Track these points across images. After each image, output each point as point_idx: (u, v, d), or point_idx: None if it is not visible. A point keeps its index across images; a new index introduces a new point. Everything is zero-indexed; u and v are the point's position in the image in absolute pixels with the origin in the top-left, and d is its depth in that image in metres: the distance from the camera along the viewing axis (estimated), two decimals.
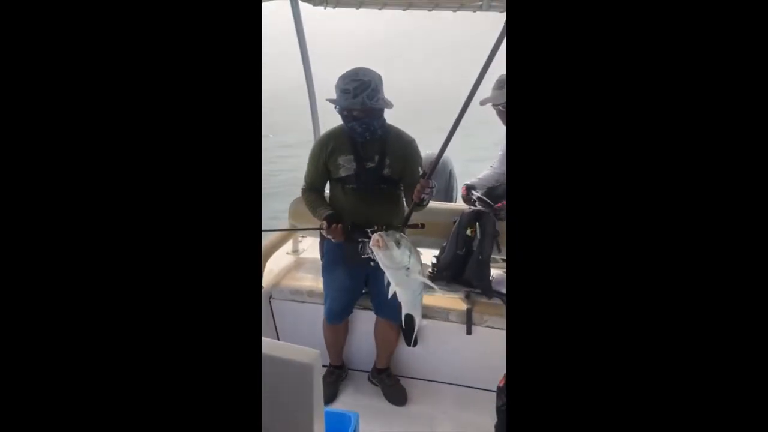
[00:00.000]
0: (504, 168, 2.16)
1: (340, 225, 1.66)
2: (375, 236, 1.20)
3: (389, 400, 1.98)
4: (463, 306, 1.97)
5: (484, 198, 2.12)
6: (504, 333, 1.93)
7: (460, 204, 2.58)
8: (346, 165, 1.72)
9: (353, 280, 1.87)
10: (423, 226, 1.68)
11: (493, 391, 2.00)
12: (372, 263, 1.72)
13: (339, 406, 1.94)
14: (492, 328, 1.96)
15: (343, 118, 1.68)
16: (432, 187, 1.60)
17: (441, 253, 2.13)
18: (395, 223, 1.72)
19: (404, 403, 1.97)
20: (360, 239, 1.68)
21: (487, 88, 2.10)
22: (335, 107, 1.67)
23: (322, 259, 1.92)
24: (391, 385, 2.01)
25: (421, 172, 1.75)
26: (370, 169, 1.72)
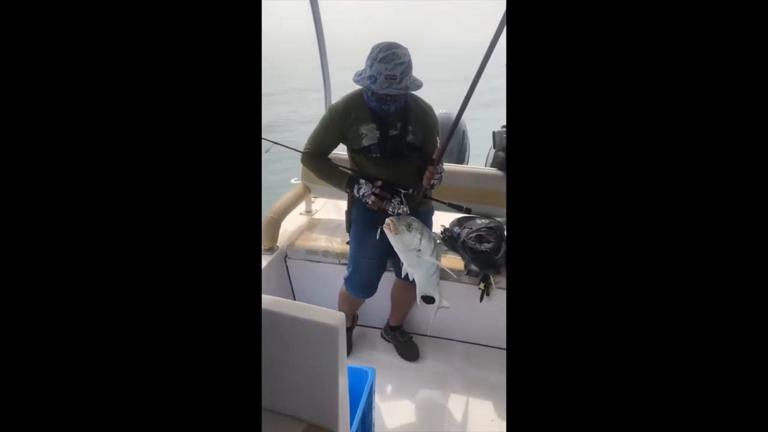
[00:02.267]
0: None
1: (385, 195, 1.65)
2: (387, 220, 1.21)
3: (402, 356, 2.06)
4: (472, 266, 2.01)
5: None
6: None
7: (472, 166, 2.56)
8: (368, 134, 1.69)
9: (384, 247, 1.73)
10: (469, 210, 1.75)
11: (503, 349, 2.10)
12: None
13: (354, 361, 2.03)
14: (503, 289, 2.00)
15: (378, 99, 1.61)
16: (440, 173, 1.60)
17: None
18: (421, 188, 1.71)
19: (417, 358, 2.05)
20: (393, 198, 1.68)
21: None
22: (369, 86, 1.58)
23: (348, 229, 1.89)
24: (404, 342, 2.08)
25: (437, 140, 1.73)
26: (393, 136, 1.69)
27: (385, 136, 1.68)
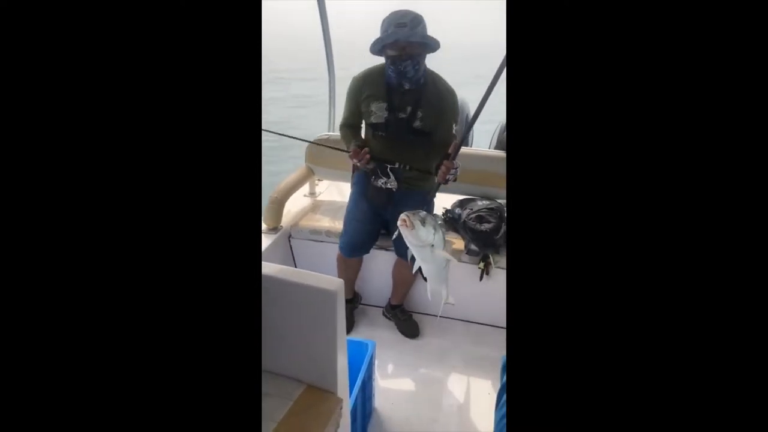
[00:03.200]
0: None
1: (366, 149, 1.67)
2: (402, 216, 1.22)
3: (403, 333, 2.10)
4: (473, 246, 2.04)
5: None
6: None
7: (476, 149, 2.58)
8: (377, 112, 1.71)
9: (374, 216, 1.92)
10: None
11: (502, 328, 2.13)
12: (394, 194, 1.78)
13: (355, 336, 2.07)
14: (503, 269, 2.03)
15: (393, 60, 1.60)
16: (456, 168, 1.58)
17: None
18: (420, 167, 1.74)
19: (417, 335, 2.10)
20: (382, 173, 1.71)
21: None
22: (382, 47, 1.60)
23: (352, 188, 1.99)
24: (405, 320, 2.13)
25: (455, 128, 1.72)
26: (401, 119, 1.70)
27: (392, 117, 1.70)
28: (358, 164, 1.71)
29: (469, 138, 2.66)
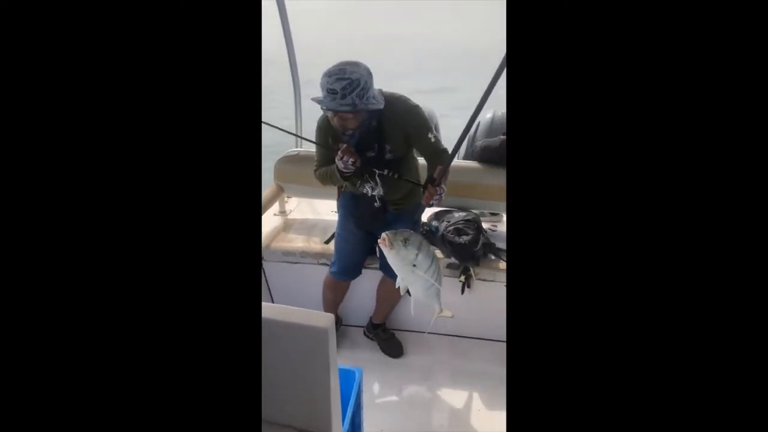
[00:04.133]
0: None
1: (346, 146, 1.55)
2: (383, 235, 1.18)
3: (386, 353, 2.05)
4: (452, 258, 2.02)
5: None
6: (495, 285, 1.98)
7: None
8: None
9: (365, 238, 1.86)
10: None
11: (487, 340, 2.12)
12: (384, 215, 1.73)
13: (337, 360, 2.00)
14: (484, 280, 2.02)
15: (337, 122, 1.53)
16: (441, 194, 1.51)
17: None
18: (404, 198, 1.71)
19: (401, 355, 2.04)
20: (370, 177, 1.65)
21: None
22: (323, 108, 1.52)
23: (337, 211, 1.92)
24: (387, 339, 2.07)
25: (432, 137, 1.65)
26: (370, 158, 1.62)
27: (362, 158, 1.59)
28: (350, 164, 1.56)
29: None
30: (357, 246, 1.88)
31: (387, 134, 1.62)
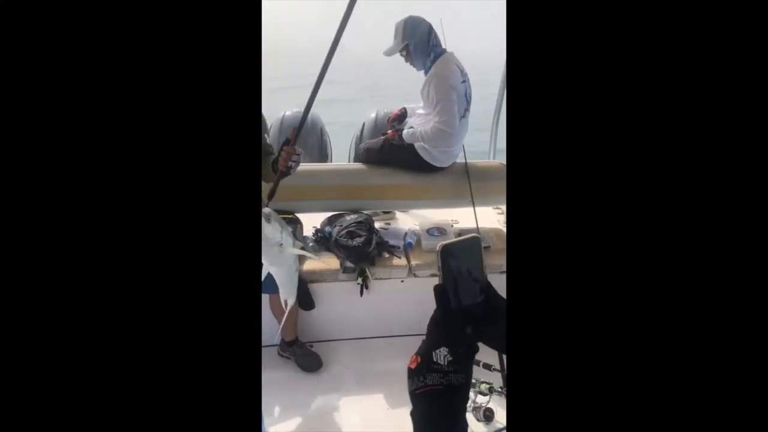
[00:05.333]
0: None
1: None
2: None
3: (304, 369, 1.96)
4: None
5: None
6: (392, 282, 2.00)
7: (336, 164, 2.55)
8: None
9: None
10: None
11: (389, 337, 2.14)
12: None
13: None
14: (380, 279, 2.04)
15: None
16: (298, 154, 1.51)
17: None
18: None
19: (320, 367, 1.96)
20: None
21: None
22: None
23: None
24: (304, 354, 1.98)
25: (266, 137, 1.65)
26: None
27: None
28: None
29: (328, 153, 2.64)
30: None
31: None
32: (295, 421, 1.74)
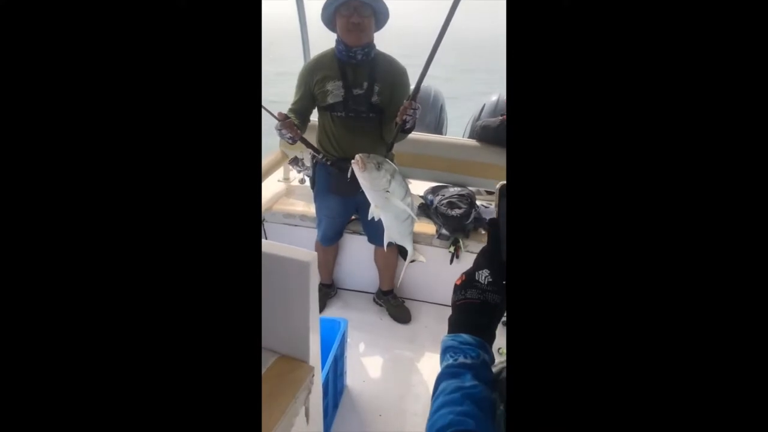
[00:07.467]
0: None
1: (290, 120, 1.62)
2: (357, 156, 1.18)
3: (395, 319, 2.13)
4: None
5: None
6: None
7: (449, 137, 2.64)
8: (334, 91, 1.69)
9: (343, 208, 1.93)
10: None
11: None
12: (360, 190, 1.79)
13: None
14: (472, 252, 2.10)
15: (344, 38, 1.63)
16: (415, 109, 1.54)
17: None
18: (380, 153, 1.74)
19: (408, 321, 2.13)
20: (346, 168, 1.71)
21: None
22: (335, 9, 1.61)
23: (312, 188, 1.97)
24: (397, 306, 2.16)
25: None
26: (358, 96, 1.69)
27: (349, 95, 1.68)
28: (288, 138, 1.64)
29: (444, 128, 2.73)
30: (335, 219, 1.97)
31: (379, 76, 1.70)
32: (376, 361, 1.92)
